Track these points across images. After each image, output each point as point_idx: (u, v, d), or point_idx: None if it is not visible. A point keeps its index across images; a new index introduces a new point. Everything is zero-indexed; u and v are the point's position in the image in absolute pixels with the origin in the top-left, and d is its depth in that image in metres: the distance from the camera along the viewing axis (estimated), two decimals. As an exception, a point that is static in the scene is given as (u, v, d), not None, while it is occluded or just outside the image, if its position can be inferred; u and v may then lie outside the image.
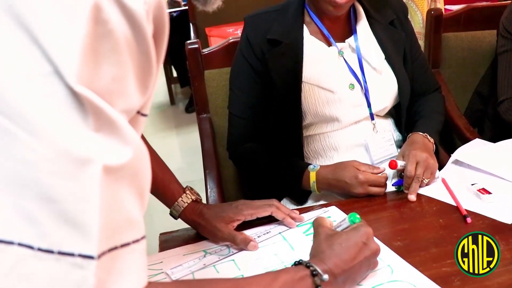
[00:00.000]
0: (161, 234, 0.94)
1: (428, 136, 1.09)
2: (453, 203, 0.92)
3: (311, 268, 0.63)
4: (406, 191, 0.97)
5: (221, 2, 0.58)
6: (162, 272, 0.80)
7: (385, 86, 1.14)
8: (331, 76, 1.10)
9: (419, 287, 0.70)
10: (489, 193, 0.92)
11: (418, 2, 1.99)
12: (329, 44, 1.12)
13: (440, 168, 1.04)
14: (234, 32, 2.50)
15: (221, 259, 0.83)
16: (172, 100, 3.99)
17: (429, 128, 1.13)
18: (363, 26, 1.14)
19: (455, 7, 1.77)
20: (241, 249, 0.85)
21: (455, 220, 0.87)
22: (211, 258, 0.83)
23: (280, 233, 0.89)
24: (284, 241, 0.86)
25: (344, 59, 1.12)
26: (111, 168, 0.39)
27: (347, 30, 1.14)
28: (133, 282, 0.42)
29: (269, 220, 0.91)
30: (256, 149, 1.16)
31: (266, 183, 1.17)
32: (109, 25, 0.39)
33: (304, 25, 1.12)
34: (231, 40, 1.31)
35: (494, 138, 1.19)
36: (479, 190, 0.93)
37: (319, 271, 0.63)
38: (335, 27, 1.12)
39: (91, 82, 0.39)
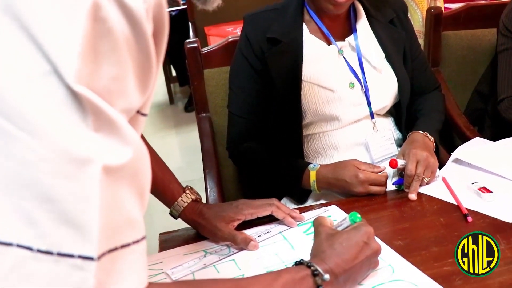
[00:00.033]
0: (161, 234, 0.93)
1: (428, 135, 1.08)
2: (454, 202, 0.91)
3: (312, 268, 0.63)
4: (406, 190, 0.97)
5: (221, 1, 0.58)
6: (162, 272, 0.80)
7: (385, 85, 1.14)
8: (331, 75, 1.09)
9: (420, 287, 0.69)
10: (490, 191, 0.92)
11: (418, 0, 1.98)
12: (329, 43, 1.12)
13: (440, 167, 1.04)
14: (233, 31, 2.50)
15: (222, 259, 0.82)
16: (171, 100, 3.99)
17: (429, 126, 1.13)
18: (363, 24, 1.14)
19: (454, 6, 1.77)
20: (241, 249, 0.84)
21: (456, 219, 0.87)
22: (212, 258, 0.83)
23: (280, 232, 0.88)
24: (284, 240, 0.86)
25: (344, 57, 1.12)
26: (111, 168, 0.39)
27: (347, 28, 1.14)
28: (134, 283, 0.42)
29: (270, 219, 0.91)
30: (256, 148, 1.16)
31: (266, 182, 1.16)
32: (108, 24, 0.38)
33: (304, 24, 1.12)
34: (231, 39, 1.31)
35: (494, 137, 1.19)
36: (479, 189, 0.93)
37: (320, 271, 0.63)
38: (335, 26, 1.12)
39: (91, 81, 0.38)
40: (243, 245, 0.84)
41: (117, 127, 0.40)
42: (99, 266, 0.38)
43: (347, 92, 1.10)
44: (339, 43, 1.12)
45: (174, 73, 3.98)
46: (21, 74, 0.37)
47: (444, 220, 0.87)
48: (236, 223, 0.88)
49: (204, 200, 0.95)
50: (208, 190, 1.19)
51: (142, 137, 0.52)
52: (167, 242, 0.91)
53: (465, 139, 1.28)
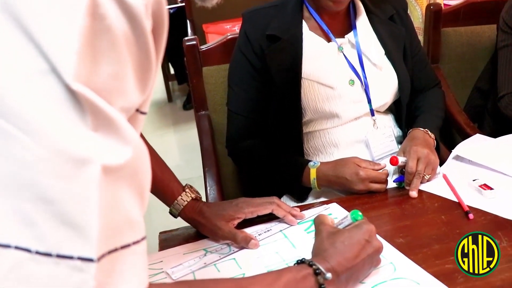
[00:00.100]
0: (160, 233, 0.93)
1: (429, 132, 1.08)
2: (455, 199, 0.91)
3: (313, 266, 0.63)
4: (407, 188, 0.97)
5: (220, -2, 0.57)
6: (162, 272, 0.79)
7: (385, 82, 1.13)
8: (330, 72, 1.09)
9: (422, 285, 0.69)
10: (491, 188, 0.91)
11: (417, -3, 1.98)
12: (329, 40, 1.11)
13: (440, 164, 1.04)
14: (232, 28, 2.49)
15: (222, 258, 0.82)
16: (170, 98, 3.97)
17: (429, 123, 1.12)
18: (362, 21, 1.13)
19: (454, 2, 1.76)
20: (242, 248, 0.84)
21: (457, 216, 0.86)
22: (212, 257, 0.82)
23: (281, 231, 0.88)
24: (285, 239, 0.85)
25: (344, 54, 1.11)
26: (110, 168, 0.38)
27: (346, 25, 1.13)
28: (134, 284, 0.41)
29: (270, 218, 0.90)
30: (256, 146, 1.15)
31: (266, 180, 1.16)
32: (107, 21, 0.38)
33: (303, 21, 1.11)
34: (230, 37, 1.30)
35: (494, 133, 1.19)
36: (480, 186, 0.92)
37: (322, 269, 0.63)
38: (335, 23, 1.12)
39: (89, 79, 0.38)
40: (244, 243, 0.83)
41: (116, 126, 0.39)
42: (99, 267, 0.38)
43: (347, 89, 1.09)
44: (339, 40, 1.11)
45: (172, 71, 3.97)
46: (19, 73, 0.37)
47: (445, 218, 0.86)
48: (236, 222, 0.87)
49: (203, 199, 0.95)
50: (208, 188, 1.18)
51: (142, 136, 0.52)
52: (167, 241, 0.90)
53: (465, 135, 1.28)
